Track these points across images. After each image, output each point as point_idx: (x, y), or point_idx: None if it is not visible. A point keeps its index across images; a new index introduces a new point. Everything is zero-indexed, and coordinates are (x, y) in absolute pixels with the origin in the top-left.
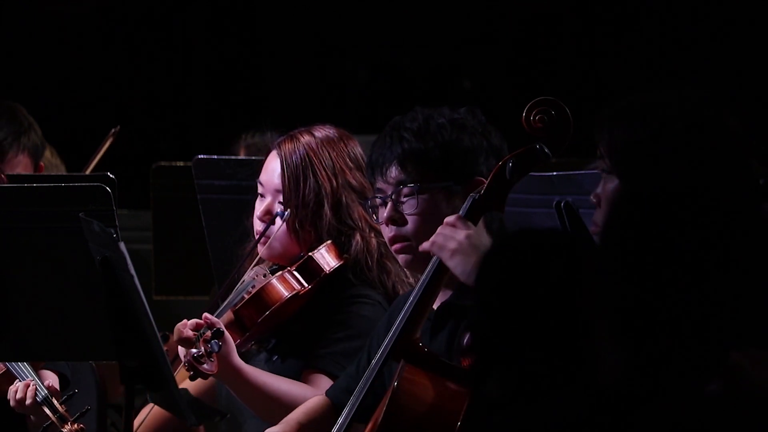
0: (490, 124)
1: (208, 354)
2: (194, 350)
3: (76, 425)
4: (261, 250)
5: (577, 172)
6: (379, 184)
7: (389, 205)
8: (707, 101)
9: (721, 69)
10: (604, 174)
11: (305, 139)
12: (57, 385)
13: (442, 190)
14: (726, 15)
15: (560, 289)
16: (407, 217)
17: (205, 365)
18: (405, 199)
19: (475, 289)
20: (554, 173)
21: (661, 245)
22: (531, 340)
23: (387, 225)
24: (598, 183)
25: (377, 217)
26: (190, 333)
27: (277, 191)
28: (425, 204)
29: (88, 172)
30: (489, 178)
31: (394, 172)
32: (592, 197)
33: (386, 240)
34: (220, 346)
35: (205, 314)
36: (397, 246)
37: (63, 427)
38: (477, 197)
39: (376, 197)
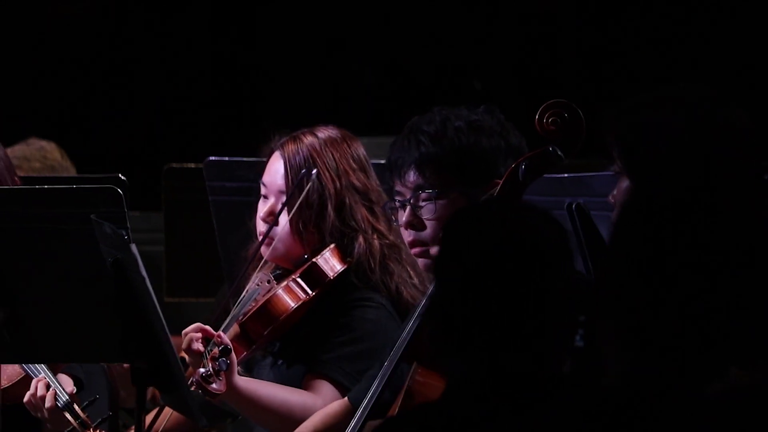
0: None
1: (216, 372)
2: (202, 369)
3: (97, 431)
4: (264, 251)
5: (588, 173)
6: (398, 187)
7: (408, 209)
8: (716, 99)
9: (727, 68)
10: (618, 175)
11: (308, 140)
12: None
13: (460, 195)
14: (735, 15)
15: (506, 280)
16: (426, 222)
17: (213, 385)
18: (423, 204)
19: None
20: (565, 175)
21: (671, 247)
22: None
23: (406, 229)
24: (610, 184)
25: (396, 219)
26: (201, 347)
27: (281, 192)
28: (443, 209)
29: None
30: (502, 181)
31: (412, 176)
32: (610, 197)
33: (406, 243)
34: (228, 364)
35: (219, 332)
36: (416, 250)
37: None
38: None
39: (396, 200)
